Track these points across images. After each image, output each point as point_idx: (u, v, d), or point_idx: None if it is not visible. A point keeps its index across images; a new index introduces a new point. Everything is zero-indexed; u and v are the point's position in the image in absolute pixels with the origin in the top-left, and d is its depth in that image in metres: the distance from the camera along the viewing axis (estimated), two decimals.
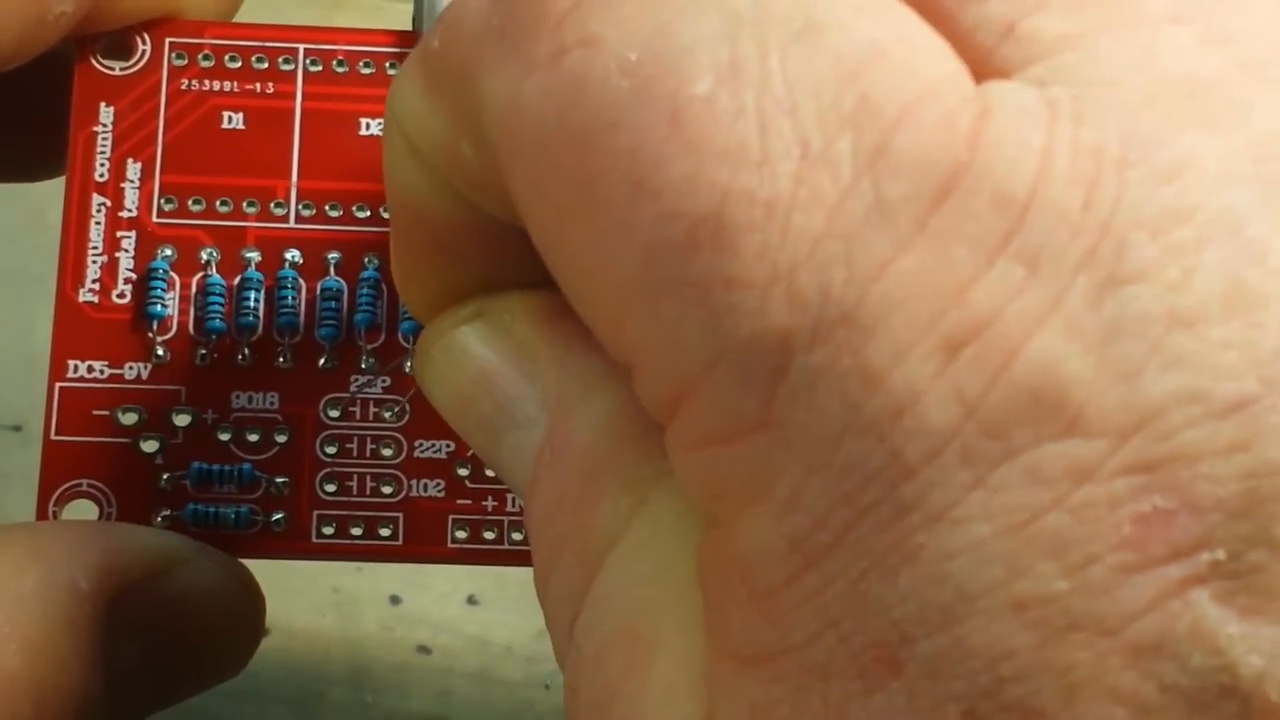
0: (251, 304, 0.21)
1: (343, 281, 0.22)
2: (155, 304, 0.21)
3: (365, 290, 0.22)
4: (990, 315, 0.12)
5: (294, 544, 0.21)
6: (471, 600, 0.34)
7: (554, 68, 0.13)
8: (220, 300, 0.21)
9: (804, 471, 0.12)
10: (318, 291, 0.22)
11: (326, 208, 0.22)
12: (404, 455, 0.21)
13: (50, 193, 0.26)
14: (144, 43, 0.22)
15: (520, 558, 0.21)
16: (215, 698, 0.23)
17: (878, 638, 0.12)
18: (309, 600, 0.34)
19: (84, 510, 0.21)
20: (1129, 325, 0.11)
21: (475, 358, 0.17)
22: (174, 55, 0.22)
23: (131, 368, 0.21)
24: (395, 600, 0.34)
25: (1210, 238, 0.12)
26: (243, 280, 0.22)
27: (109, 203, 0.22)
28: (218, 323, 0.21)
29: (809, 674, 0.12)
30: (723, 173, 0.12)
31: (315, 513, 0.21)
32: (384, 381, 0.21)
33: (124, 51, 0.22)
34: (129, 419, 0.21)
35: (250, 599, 0.21)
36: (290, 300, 0.21)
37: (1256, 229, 0.12)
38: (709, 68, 0.13)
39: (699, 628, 0.14)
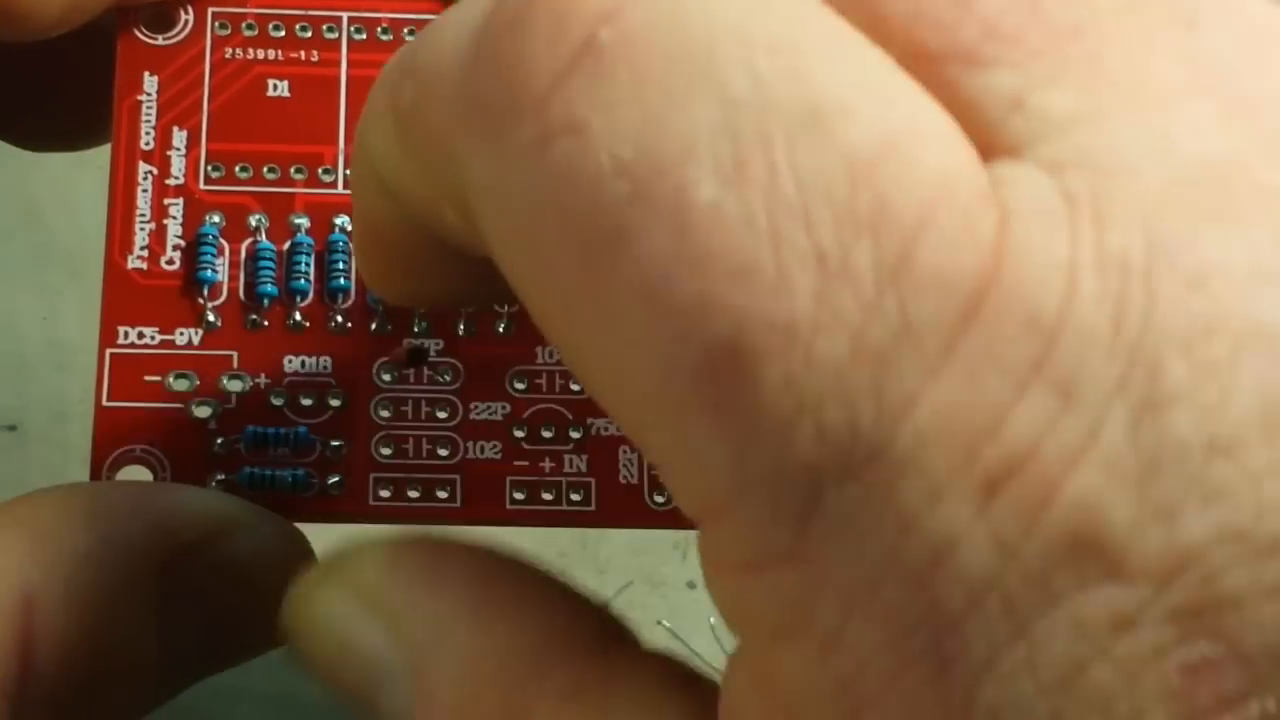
0: (303, 268, 0.21)
1: None
2: (206, 269, 0.21)
3: None
4: (1027, 451, 0.11)
5: (351, 506, 0.21)
6: None
7: (541, 157, 0.12)
8: (271, 265, 0.21)
9: (843, 610, 0.12)
10: None
11: None
12: (459, 418, 0.21)
13: (47, 189, 0.26)
14: (186, 13, 0.22)
15: (579, 519, 0.21)
16: (209, 696, 0.22)
17: None
18: None
19: (138, 475, 0.21)
20: (1167, 457, 0.11)
21: (332, 622, 0.16)
22: (217, 25, 0.22)
23: (182, 333, 0.21)
24: None
25: (1244, 349, 0.11)
26: (293, 245, 0.22)
27: (155, 170, 0.22)
28: (269, 287, 0.21)
29: None
30: (737, 295, 0.12)
31: (372, 475, 0.21)
32: (438, 344, 0.21)
33: (166, 23, 0.22)
34: (181, 385, 0.21)
35: (306, 566, 0.21)
36: (342, 265, 0.21)
37: None
38: (711, 170, 0.12)
39: None
